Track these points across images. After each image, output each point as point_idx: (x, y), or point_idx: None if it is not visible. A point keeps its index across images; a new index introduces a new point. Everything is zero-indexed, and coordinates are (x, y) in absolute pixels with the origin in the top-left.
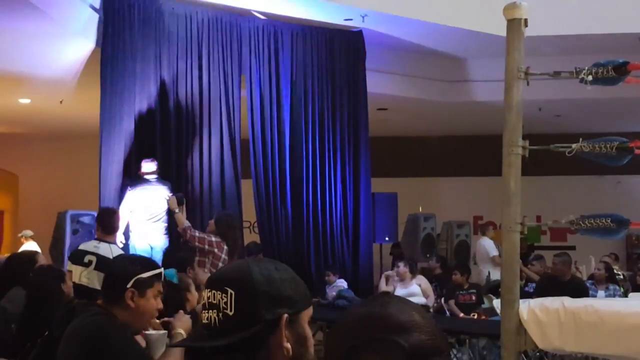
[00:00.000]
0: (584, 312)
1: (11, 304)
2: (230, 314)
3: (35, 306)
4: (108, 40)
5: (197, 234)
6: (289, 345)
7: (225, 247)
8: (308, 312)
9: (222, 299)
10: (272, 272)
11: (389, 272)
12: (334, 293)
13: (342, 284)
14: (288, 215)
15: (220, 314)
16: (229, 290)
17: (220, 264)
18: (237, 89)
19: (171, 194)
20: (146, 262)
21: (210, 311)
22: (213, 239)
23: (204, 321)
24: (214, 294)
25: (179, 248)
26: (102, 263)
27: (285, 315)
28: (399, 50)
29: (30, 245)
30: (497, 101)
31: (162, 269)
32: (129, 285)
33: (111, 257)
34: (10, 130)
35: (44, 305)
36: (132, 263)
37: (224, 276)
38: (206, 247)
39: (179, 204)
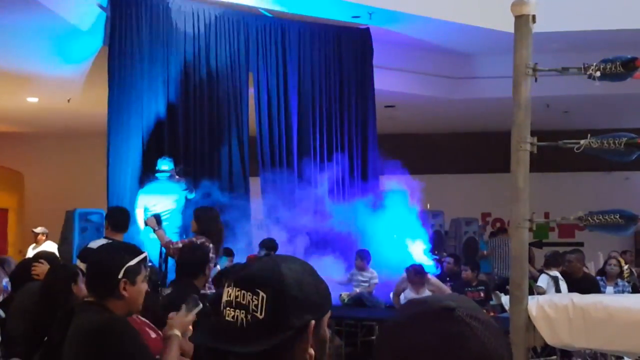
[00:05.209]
0: (593, 308)
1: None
2: (260, 317)
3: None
4: (116, 38)
5: (179, 244)
6: (313, 352)
7: (211, 245)
8: (328, 315)
9: (253, 301)
10: (302, 275)
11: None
12: None
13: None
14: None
15: (249, 316)
16: (260, 293)
17: (210, 264)
18: (244, 86)
19: (150, 215)
20: (130, 249)
21: (238, 311)
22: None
23: (227, 318)
24: (243, 294)
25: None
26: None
27: (313, 322)
28: (406, 47)
29: (49, 245)
30: (505, 98)
31: (146, 253)
32: (120, 276)
33: None
34: (19, 129)
35: (53, 305)
36: (117, 252)
37: (255, 276)
38: None
39: (158, 223)
